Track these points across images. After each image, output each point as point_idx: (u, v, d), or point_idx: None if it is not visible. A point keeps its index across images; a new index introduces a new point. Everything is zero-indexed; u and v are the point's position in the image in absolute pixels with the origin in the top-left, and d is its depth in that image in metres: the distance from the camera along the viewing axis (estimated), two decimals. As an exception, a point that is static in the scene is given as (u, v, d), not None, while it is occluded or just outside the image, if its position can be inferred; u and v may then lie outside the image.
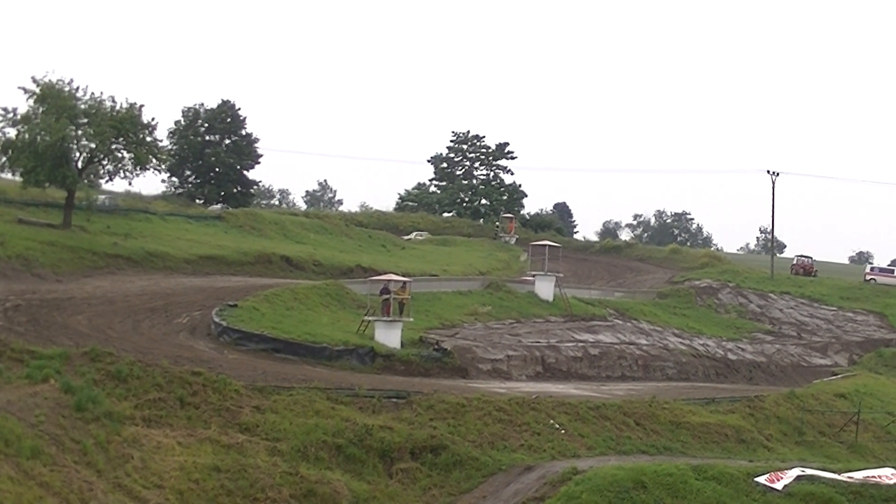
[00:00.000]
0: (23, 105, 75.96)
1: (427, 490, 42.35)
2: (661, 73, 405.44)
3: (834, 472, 43.04)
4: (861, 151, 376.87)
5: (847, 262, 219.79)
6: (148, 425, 40.10)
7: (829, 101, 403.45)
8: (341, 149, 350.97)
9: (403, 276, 71.68)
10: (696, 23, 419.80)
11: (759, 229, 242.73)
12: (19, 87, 75.63)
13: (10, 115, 75.58)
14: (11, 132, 76.12)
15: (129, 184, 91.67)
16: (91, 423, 38.09)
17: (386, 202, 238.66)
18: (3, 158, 76.43)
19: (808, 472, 42.54)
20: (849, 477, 42.31)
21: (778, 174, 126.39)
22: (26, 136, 74.84)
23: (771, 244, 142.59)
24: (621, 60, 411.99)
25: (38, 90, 75.65)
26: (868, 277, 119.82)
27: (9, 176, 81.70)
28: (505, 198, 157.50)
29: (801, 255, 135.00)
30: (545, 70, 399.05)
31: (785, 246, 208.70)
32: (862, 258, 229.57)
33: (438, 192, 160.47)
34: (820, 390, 67.19)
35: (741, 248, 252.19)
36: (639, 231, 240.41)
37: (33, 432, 35.25)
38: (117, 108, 77.91)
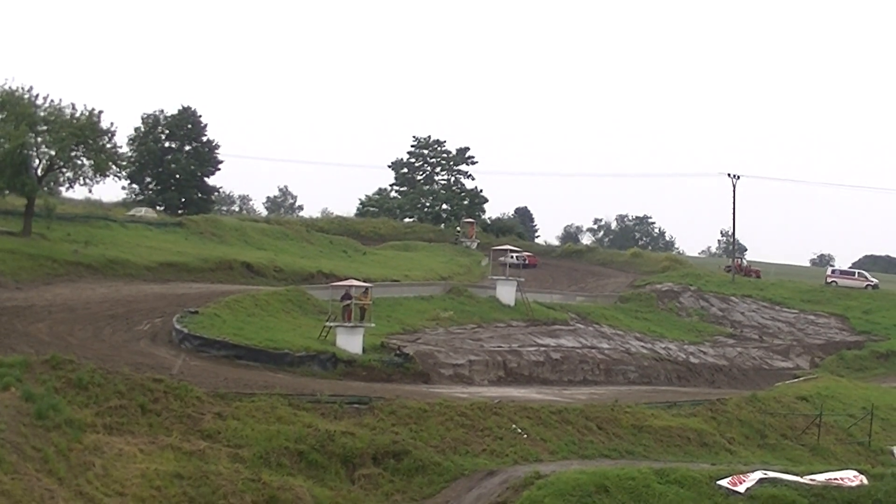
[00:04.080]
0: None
1: (389, 496, 42.22)
2: (621, 78, 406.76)
3: (796, 474, 43.12)
4: (822, 155, 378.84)
5: (808, 264, 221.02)
6: (109, 433, 39.82)
7: (789, 104, 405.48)
8: (301, 154, 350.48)
9: (365, 281, 71.56)
10: (655, 28, 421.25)
11: (721, 232, 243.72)
12: (-22, 96, 75.44)
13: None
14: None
15: (90, 191, 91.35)
16: (52, 431, 37.79)
17: (347, 208, 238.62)
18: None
19: (771, 474, 42.65)
20: (811, 479, 42.40)
21: (738, 177, 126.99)
22: (-15, 143, 74.42)
23: (732, 247, 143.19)
24: (581, 65, 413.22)
25: (-4, 98, 75.30)
26: (829, 280, 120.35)
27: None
28: (466, 202, 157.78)
29: (737, 257, 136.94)
30: (505, 75, 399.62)
31: (746, 249, 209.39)
32: (823, 261, 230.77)
33: (399, 197, 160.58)
34: (782, 393, 67.31)
35: (702, 251, 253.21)
36: (600, 235, 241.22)
37: (-7, 441, 35.02)
38: (77, 115, 77.64)
